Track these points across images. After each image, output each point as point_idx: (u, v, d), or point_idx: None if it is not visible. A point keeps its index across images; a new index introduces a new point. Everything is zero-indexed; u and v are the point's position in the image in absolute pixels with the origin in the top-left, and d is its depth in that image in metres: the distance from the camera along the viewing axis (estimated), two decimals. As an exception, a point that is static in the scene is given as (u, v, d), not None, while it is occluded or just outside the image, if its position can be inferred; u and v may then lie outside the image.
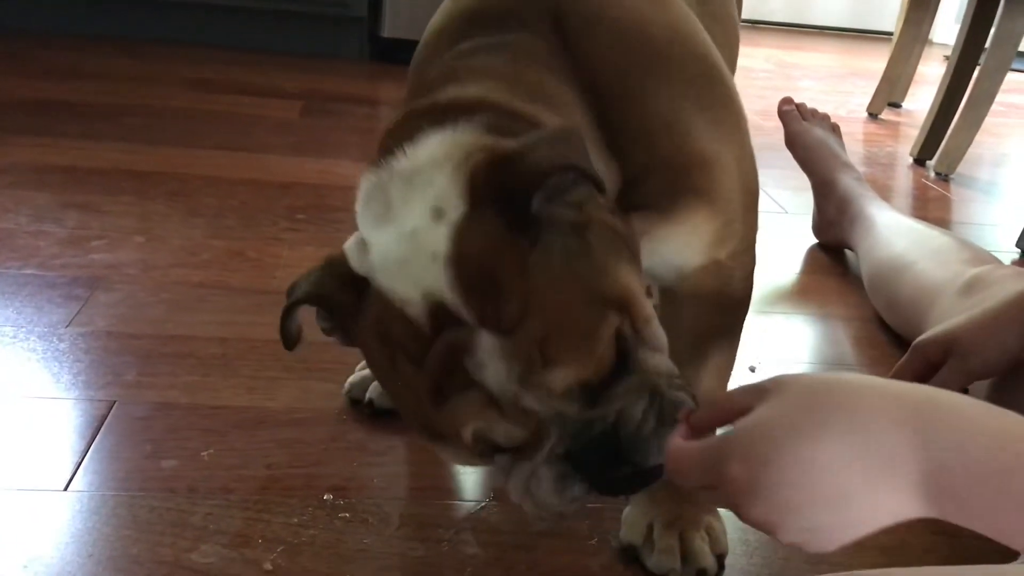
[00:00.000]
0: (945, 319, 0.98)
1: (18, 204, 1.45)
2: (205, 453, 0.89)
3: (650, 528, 0.79)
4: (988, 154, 2.46)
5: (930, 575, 0.61)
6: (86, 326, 1.11)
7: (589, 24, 0.74)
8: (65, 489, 0.83)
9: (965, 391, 0.93)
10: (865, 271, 1.38)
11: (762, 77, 3.24)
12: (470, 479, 0.90)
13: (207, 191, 1.59)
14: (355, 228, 0.67)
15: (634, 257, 0.68)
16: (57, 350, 1.05)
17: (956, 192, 2.06)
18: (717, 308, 0.82)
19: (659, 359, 0.67)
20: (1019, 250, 1.68)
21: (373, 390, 0.98)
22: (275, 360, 1.06)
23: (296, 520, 0.81)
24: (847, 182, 1.54)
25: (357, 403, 0.99)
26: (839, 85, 3.30)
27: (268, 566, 0.75)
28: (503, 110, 0.68)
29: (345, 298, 0.66)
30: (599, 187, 0.63)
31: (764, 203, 1.71)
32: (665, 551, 0.78)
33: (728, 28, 1.06)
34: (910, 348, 0.96)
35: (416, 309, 0.62)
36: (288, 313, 0.69)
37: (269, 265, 1.32)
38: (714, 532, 0.80)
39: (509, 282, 0.60)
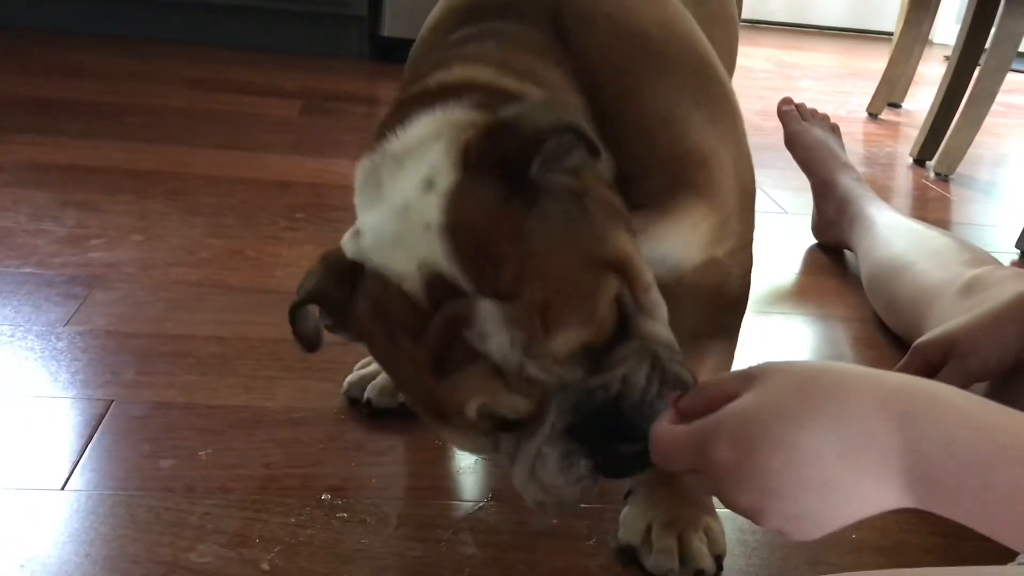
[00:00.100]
0: (944, 320, 0.98)
1: (17, 202, 1.45)
2: (203, 452, 0.89)
3: (648, 529, 0.79)
4: (988, 155, 2.46)
5: (928, 576, 0.61)
6: (84, 325, 1.10)
7: (585, 21, 0.74)
8: (63, 488, 0.82)
9: (964, 392, 0.93)
10: (864, 272, 1.38)
11: (762, 77, 3.23)
12: (469, 479, 0.90)
13: (206, 190, 1.59)
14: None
15: (632, 231, 0.68)
16: (55, 349, 1.05)
17: (956, 193, 2.06)
18: (715, 307, 0.82)
19: (659, 328, 0.67)
20: (1019, 251, 1.68)
21: (371, 389, 0.98)
22: (273, 359, 1.06)
23: (294, 520, 0.81)
24: (847, 182, 1.54)
25: (355, 403, 0.98)
26: (839, 85, 3.30)
27: (266, 566, 0.75)
28: (492, 89, 0.68)
29: (341, 293, 0.66)
30: (595, 150, 0.62)
31: (764, 203, 1.71)
32: (663, 552, 0.77)
33: (727, 27, 1.06)
34: (910, 350, 0.96)
35: (413, 283, 0.61)
36: (294, 318, 0.68)
37: (268, 264, 1.32)
38: (712, 533, 0.80)
39: (505, 247, 0.59)
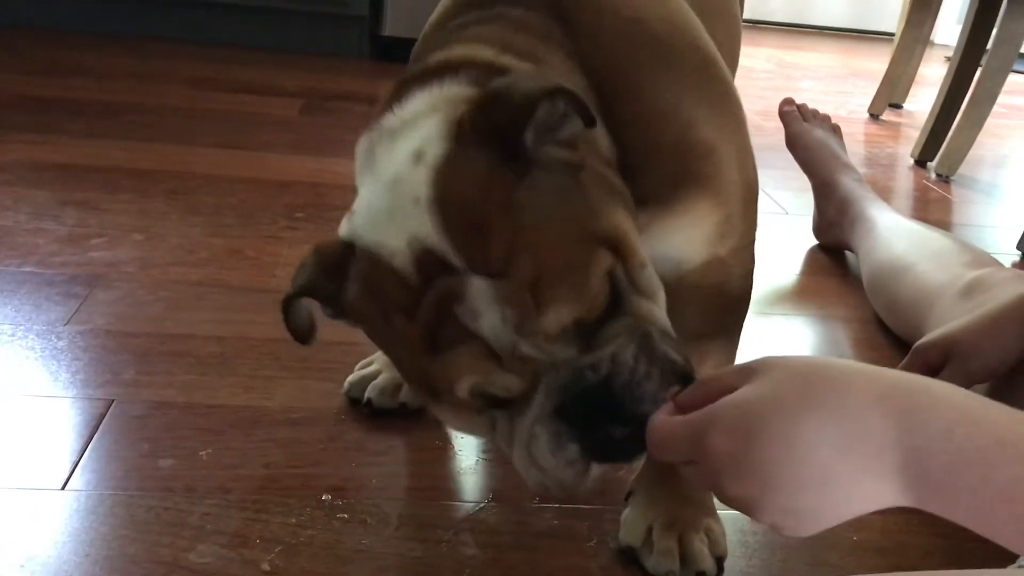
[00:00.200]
0: (945, 322, 0.98)
1: (17, 201, 1.45)
2: (203, 452, 0.89)
3: (649, 530, 0.79)
4: (989, 156, 2.45)
5: (929, 578, 0.61)
6: (84, 324, 1.10)
7: (589, 11, 0.74)
8: (63, 488, 0.82)
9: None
10: (865, 273, 1.37)
11: (763, 77, 3.23)
12: (469, 480, 0.90)
13: (206, 189, 1.59)
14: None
15: (631, 210, 0.67)
16: (55, 348, 1.05)
17: (957, 194, 2.06)
18: (716, 307, 0.82)
19: (653, 308, 0.66)
20: (1020, 252, 1.68)
21: (372, 389, 0.97)
22: (273, 359, 1.06)
23: (294, 520, 0.81)
24: (848, 183, 1.54)
25: (356, 402, 0.98)
26: (840, 86, 3.30)
27: (266, 566, 0.75)
28: (492, 66, 0.68)
29: (334, 284, 0.65)
30: (589, 117, 0.62)
31: (765, 204, 1.71)
32: (664, 553, 0.77)
33: (729, 25, 1.06)
34: (910, 351, 0.96)
35: (403, 259, 0.61)
36: (286, 311, 0.68)
37: (268, 264, 1.32)
38: (713, 534, 0.79)
39: (495, 220, 0.59)
